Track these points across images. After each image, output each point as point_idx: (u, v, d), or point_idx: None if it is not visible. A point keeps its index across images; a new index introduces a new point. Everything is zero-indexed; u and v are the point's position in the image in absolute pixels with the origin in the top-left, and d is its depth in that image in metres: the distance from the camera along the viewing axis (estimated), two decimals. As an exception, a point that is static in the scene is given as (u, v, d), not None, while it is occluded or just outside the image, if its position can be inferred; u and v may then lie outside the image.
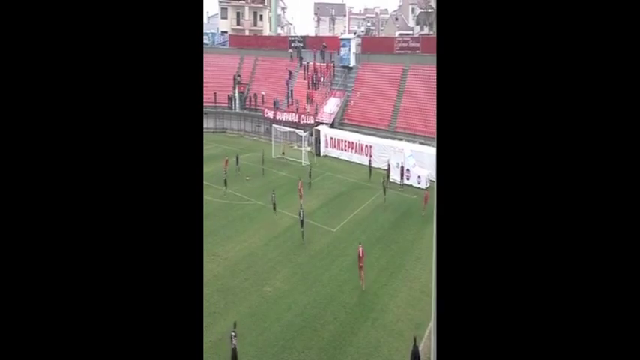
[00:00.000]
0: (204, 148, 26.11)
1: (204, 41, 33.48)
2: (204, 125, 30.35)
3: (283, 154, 23.82)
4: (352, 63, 28.05)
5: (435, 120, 3.25)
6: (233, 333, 8.77)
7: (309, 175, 19.72)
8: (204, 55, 31.42)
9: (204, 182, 18.68)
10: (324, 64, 29.02)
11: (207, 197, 17.61)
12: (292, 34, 44.54)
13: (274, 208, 16.05)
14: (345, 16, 71.67)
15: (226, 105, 30.72)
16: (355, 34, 45.62)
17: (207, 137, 28.76)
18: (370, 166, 20.47)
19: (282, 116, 27.40)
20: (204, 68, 31.62)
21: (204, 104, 30.40)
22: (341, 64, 28.34)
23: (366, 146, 22.47)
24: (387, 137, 23.38)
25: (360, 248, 11.63)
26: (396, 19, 55.46)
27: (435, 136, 3.39)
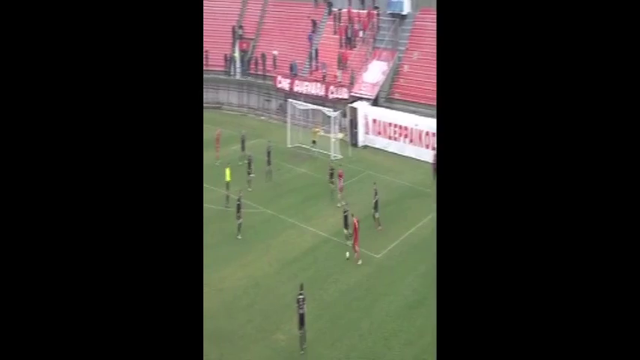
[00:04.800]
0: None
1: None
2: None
3: (314, 142, 23.85)
4: (407, 9, 28.11)
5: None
6: (301, 296, 10.80)
7: (331, 175, 19.22)
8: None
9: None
10: (365, 10, 29.30)
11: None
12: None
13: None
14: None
15: (222, 69, 31.24)
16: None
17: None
18: (435, 163, 20.22)
19: (303, 87, 27.89)
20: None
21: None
22: (389, 11, 28.45)
23: (427, 133, 22.52)
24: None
25: (355, 220, 14.49)
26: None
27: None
